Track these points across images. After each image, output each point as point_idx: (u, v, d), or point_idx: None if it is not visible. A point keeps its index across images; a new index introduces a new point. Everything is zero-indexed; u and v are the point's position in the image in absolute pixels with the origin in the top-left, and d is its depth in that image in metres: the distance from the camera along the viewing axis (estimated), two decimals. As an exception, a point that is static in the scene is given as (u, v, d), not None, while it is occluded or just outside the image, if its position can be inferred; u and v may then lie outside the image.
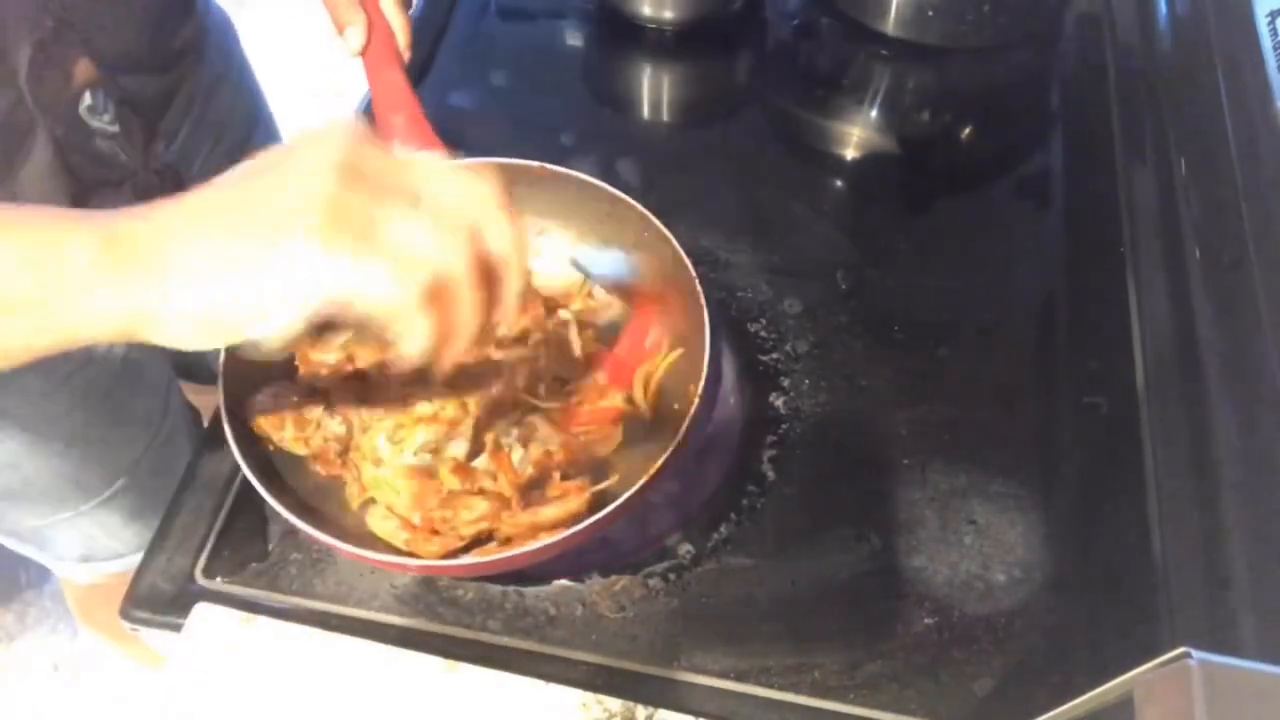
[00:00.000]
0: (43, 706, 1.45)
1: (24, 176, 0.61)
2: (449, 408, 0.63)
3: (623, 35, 0.99)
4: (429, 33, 0.98)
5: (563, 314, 0.70)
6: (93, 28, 0.62)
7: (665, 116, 0.97)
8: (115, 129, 0.66)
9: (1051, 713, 0.38)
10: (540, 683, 0.58)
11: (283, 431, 0.62)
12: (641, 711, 0.58)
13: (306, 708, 0.57)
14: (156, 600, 0.63)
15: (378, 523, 0.61)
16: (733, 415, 0.71)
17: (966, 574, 0.64)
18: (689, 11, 0.97)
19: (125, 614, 0.63)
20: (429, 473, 0.61)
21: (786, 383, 0.73)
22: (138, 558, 0.86)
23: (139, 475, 0.83)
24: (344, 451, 0.63)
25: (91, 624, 1.32)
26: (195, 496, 0.67)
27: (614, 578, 0.64)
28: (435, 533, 0.59)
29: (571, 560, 0.64)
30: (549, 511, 0.59)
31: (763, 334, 0.76)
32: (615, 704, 0.58)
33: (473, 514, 0.59)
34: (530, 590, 0.63)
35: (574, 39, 1.01)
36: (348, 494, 0.63)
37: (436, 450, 0.63)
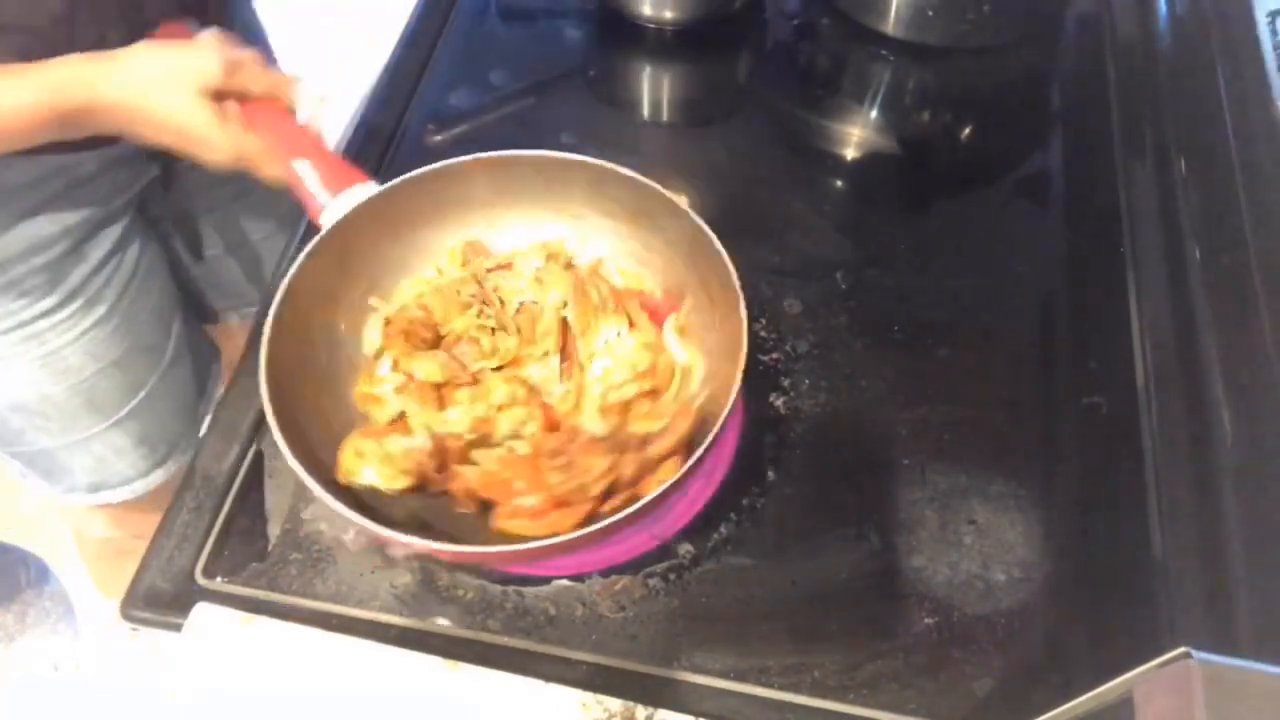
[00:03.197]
0: (43, 706, 1.45)
1: None
2: (519, 390, 0.65)
3: (623, 35, 1.00)
4: (429, 33, 0.99)
5: (583, 263, 0.72)
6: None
7: (665, 116, 0.97)
8: None
9: (1051, 713, 0.38)
10: (540, 683, 0.58)
11: (374, 473, 0.61)
12: (641, 711, 0.58)
13: (306, 708, 0.57)
14: (156, 600, 0.63)
15: (508, 523, 0.60)
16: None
17: (966, 574, 0.64)
18: (689, 11, 0.97)
19: (125, 614, 0.63)
20: (525, 458, 0.62)
21: (786, 383, 0.73)
22: (143, 484, 0.93)
23: (148, 399, 0.88)
24: (442, 466, 0.63)
25: (104, 589, 1.35)
26: (195, 496, 0.67)
27: (614, 578, 0.64)
28: (565, 505, 0.60)
29: (572, 560, 0.64)
30: (656, 447, 0.61)
31: (763, 334, 0.76)
32: (615, 704, 0.58)
33: (593, 473, 0.60)
34: (530, 590, 0.63)
35: (574, 39, 1.01)
36: (460, 509, 0.63)
37: (518, 435, 0.64)
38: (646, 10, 0.97)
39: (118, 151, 0.75)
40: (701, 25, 0.98)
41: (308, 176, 0.64)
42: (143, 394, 0.88)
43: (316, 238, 0.64)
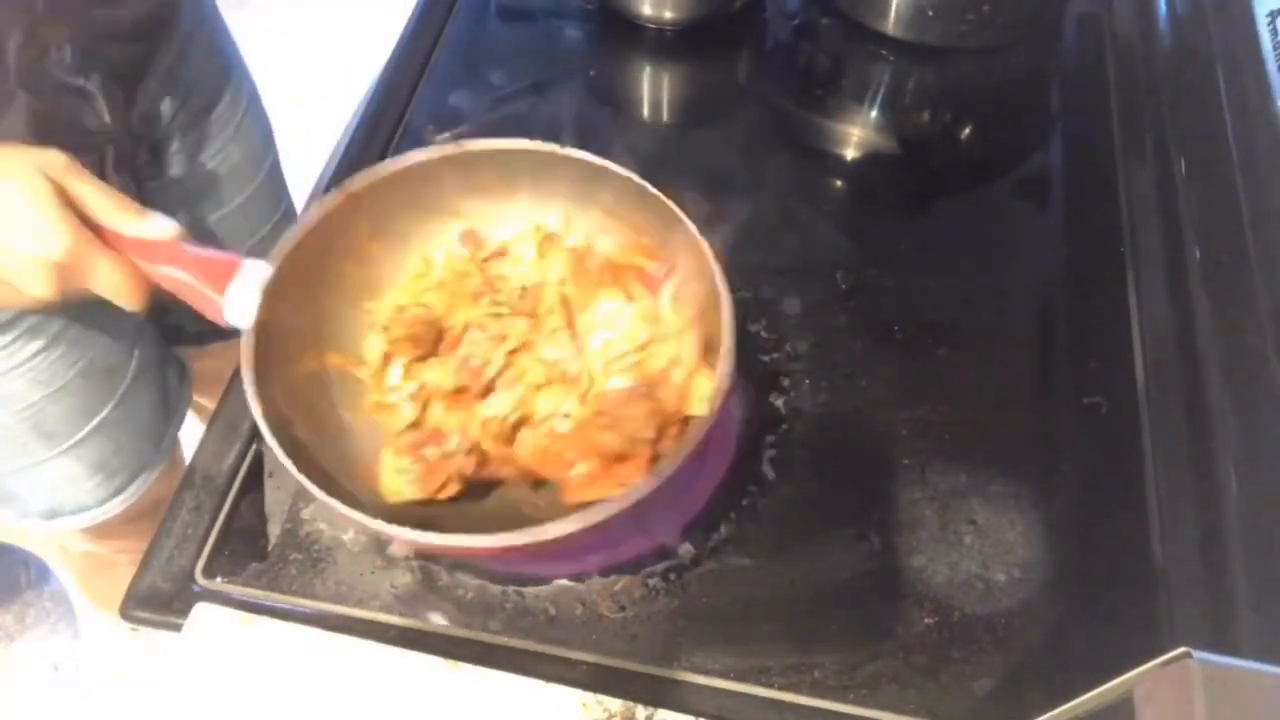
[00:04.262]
0: (43, 706, 1.45)
1: None
2: (554, 369, 0.64)
3: (623, 35, 1.00)
4: (429, 33, 0.99)
5: (571, 241, 0.71)
6: (79, 5, 0.62)
7: (665, 116, 0.97)
8: (94, 88, 0.65)
9: (1051, 713, 0.38)
10: (540, 683, 0.58)
11: (419, 487, 0.60)
12: (641, 711, 0.58)
13: (306, 708, 0.57)
14: (156, 600, 0.63)
15: (579, 495, 0.60)
16: (733, 415, 0.71)
17: (966, 574, 0.64)
18: (689, 11, 0.97)
19: (125, 614, 0.63)
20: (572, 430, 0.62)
21: (786, 383, 0.73)
22: (101, 512, 0.88)
23: (104, 425, 0.83)
24: (482, 462, 0.62)
25: (97, 602, 1.34)
26: (195, 496, 0.67)
27: (614, 578, 0.64)
28: (625, 459, 0.60)
29: (573, 559, 0.64)
30: (680, 370, 0.62)
31: (763, 334, 0.76)
32: (615, 704, 0.58)
33: (639, 419, 0.60)
34: (530, 590, 0.63)
35: (574, 39, 1.01)
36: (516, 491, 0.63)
37: (555, 414, 0.63)
38: (646, 10, 0.97)
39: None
40: (701, 25, 0.98)
41: (189, 279, 0.58)
42: (98, 419, 0.82)
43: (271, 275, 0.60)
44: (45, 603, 1.52)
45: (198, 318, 0.90)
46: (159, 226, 0.58)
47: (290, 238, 0.62)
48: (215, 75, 0.86)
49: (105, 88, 0.66)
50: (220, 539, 0.65)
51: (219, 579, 0.63)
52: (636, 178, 0.64)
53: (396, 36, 0.98)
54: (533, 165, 0.68)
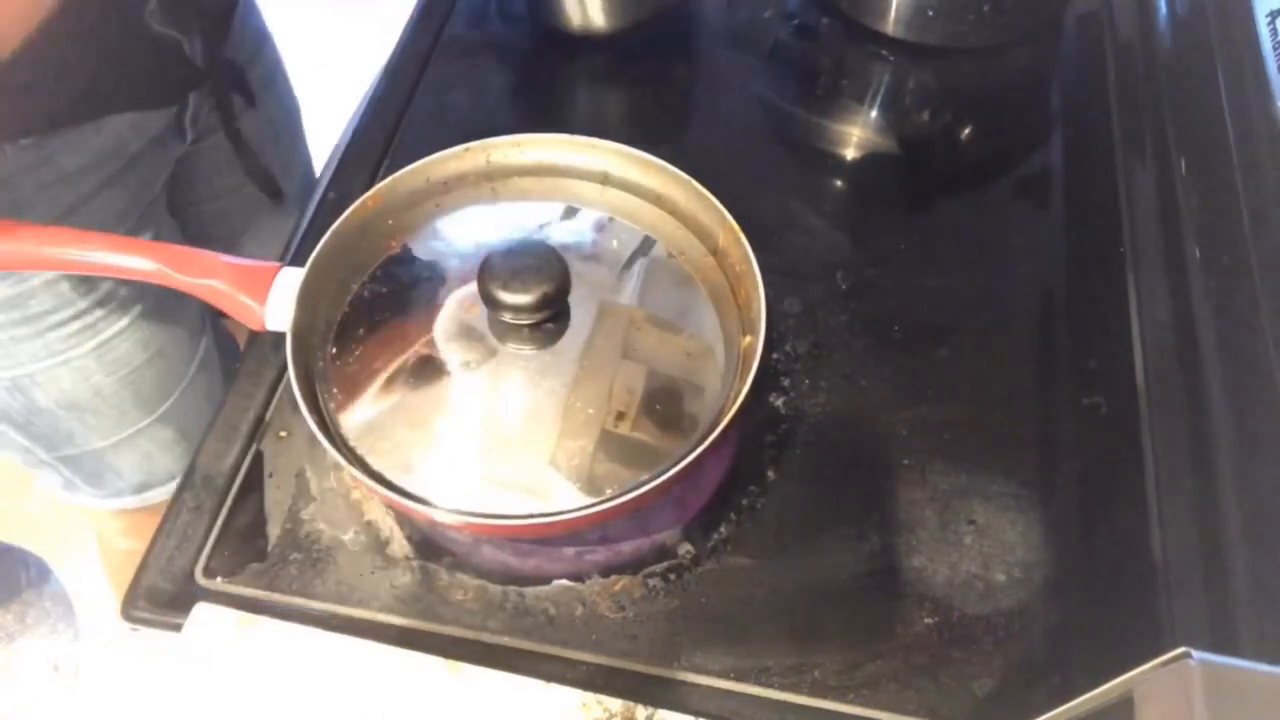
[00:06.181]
0: (43, 706, 1.45)
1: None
2: None
3: (623, 35, 0.99)
4: (428, 33, 0.98)
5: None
6: None
7: (665, 116, 0.97)
8: (183, 33, 0.71)
9: (1051, 713, 0.38)
10: (541, 683, 0.58)
11: None
12: (641, 711, 0.58)
13: (306, 708, 0.57)
14: (156, 600, 0.63)
15: None
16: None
17: (966, 574, 0.64)
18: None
19: (125, 614, 0.63)
20: None
21: (786, 383, 0.73)
22: None
23: (188, 392, 0.88)
24: None
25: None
26: (195, 496, 0.67)
27: (614, 578, 0.64)
28: None
29: (572, 560, 0.64)
30: None
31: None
32: (615, 704, 0.58)
33: None
34: (530, 590, 0.63)
35: (573, 39, 1.01)
36: None
37: None
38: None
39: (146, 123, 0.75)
40: (702, 26, 0.98)
41: (228, 289, 0.60)
42: (184, 384, 0.87)
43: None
44: (45, 603, 1.52)
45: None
46: None
47: (320, 243, 0.63)
48: (254, 34, 0.93)
49: (197, 31, 0.72)
50: (220, 539, 0.65)
51: (219, 579, 0.63)
52: (657, 159, 0.68)
53: (395, 37, 0.98)
54: (555, 155, 0.70)
